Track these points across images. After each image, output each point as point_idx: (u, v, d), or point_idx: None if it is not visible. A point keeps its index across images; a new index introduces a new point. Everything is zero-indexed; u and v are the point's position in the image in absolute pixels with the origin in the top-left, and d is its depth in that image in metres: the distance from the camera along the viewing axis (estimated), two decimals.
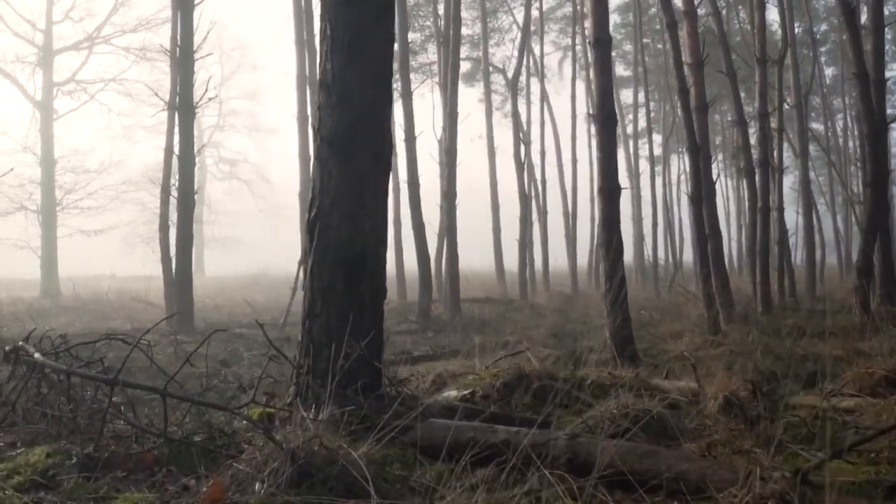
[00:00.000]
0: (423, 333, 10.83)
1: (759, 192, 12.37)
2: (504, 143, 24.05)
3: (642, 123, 27.10)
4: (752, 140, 15.98)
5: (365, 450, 2.42)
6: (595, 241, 22.99)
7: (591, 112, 7.21)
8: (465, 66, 24.06)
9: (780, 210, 14.26)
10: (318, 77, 3.31)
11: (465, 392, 3.51)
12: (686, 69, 10.05)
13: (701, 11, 25.45)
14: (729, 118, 29.99)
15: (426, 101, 23.68)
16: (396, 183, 16.83)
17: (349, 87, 3.22)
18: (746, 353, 7.00)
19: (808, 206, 17.43)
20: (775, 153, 14.54)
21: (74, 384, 3.05)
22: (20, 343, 3.14)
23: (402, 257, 16.58)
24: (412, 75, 23.10)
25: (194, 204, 10.54)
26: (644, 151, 26.46)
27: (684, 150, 29.54)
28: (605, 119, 6.94)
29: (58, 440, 2.87)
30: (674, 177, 27.73)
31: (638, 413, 3.27)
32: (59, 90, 18.71)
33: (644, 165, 24.82)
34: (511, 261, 20.98)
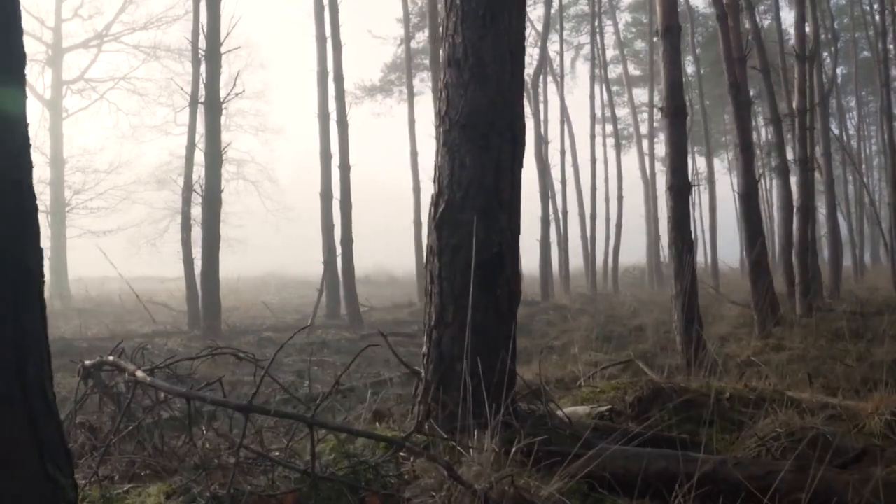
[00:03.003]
0: None
1: (798, 190, 12.08)
2: None
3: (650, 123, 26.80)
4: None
5: (557, 486, 2.02)
6: (609, 243, 22.66)
7: (659, 105, 6.83)
8: None
9: (814, 210, 13.97)
10: (444, 52, 2.91)
11: (603, 408, 3.12)
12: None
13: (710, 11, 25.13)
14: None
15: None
16: (417, 182, 16.44)
17: (484, 63, 2.82)
18: (821, 358, 6.64)
19: (833, 206, 17.14)
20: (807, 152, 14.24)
21: (173, 405, 2.64)
22: (109, 358, 2.72)
23: (422, 258, 16.17)
24: (424, 73, 22.79)
25: (221, 203, 10.11)
26: (657, 151, 26.16)
27: (695, 150, 29.29)
28: (675, 112, 6.58)
29: (163, 474, 2.46)
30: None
31: (806, 433, 2.90)
32: (69, 89, 18.23)
33: (655, 165, 24.54)
34: (525, 261, 20.61)
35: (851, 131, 28.79)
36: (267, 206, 26.53)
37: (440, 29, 2.94)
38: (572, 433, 2.69)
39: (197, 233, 12.08)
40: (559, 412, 2.83)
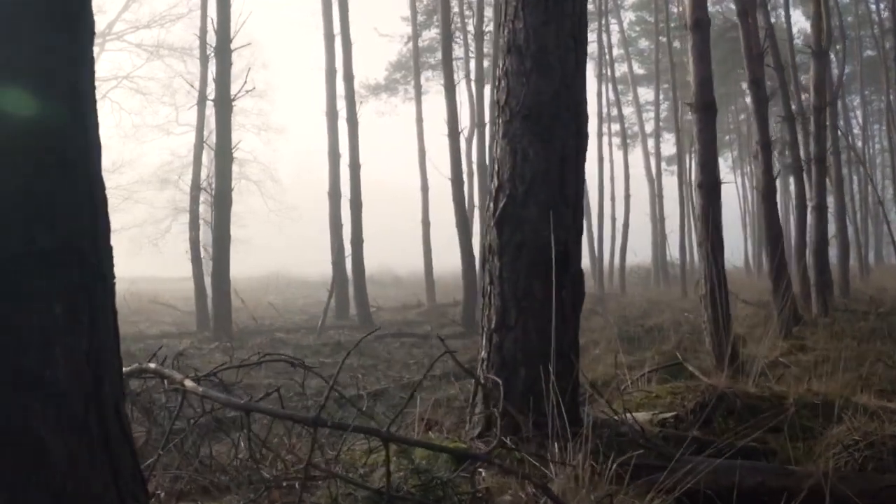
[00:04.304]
0: (472, 337, 10.21)
1: (815, 189, 11.99)
2: None
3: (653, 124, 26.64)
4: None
5: None
6: (616, 243, 22.51)
7: (687, 101, 6.68)
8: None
9: (826, 209, 13.84)
10: (503, 39, 2.74)
11: (668, 415, 2.95)
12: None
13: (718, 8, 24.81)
14: (743, 116, 29.70)
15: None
16: (426, 181, 16.26)
17: (547, 50, 2.65)
18: (855, 359, 6.49)
19: (842, 205, 17.04)
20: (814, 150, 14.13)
21: (221, 416, 2.46)
22: (151, 365, 2.54)
23: (430, 258, 16.00)
24: (430, 72, 22.63)
25: (231, 202, 9.92)
26: (663, 150, 26.01)
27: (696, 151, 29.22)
28: (705, 108, 6.42)
29: (212, 491, 2.28)
30: (692, 176, 27.27)
31: (886, 441, 2.74)
32: None
33: (661, 165, 24.40)
34: None
35: (856, 130, 28.68)
36: (269, 205, 26.32)
37: (500, 14, 2.77)
38: (646, 443, 2.52)
39: (204, 232, 11.89)
40: (629, 419, 2.66)
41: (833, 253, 17.44)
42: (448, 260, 19.70)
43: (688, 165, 24.37)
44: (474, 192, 15.36)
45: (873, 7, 24.24)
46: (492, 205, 2.73)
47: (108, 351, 1.22)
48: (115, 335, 1.27)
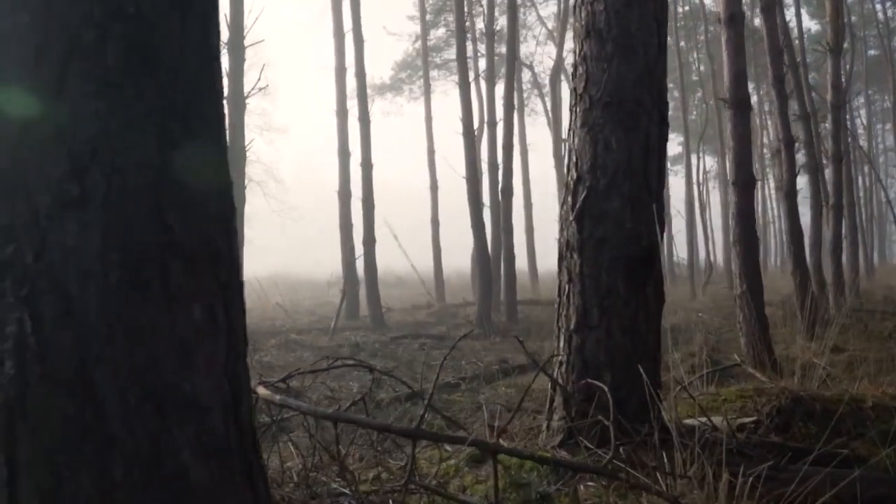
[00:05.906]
0: (489, 339, 10.04)
1: (832, 188, 11.90)
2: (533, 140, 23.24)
3: None
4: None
5: None
6: None
7: (721, 97, 6.55)
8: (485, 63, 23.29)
9: (842, 208, 13.74)
10: (579, 22, 2.58)
11: (747, 420, 2.80)
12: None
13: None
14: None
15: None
16: (434, 180, 16.10)
17: (629, 34, 2.50)
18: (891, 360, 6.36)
19: (852, 204, 16.93)
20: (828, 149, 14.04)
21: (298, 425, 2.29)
22: None
23: (440, 257, 15.83)
24: (435, 72, 22.46)
25: (245, 202, 9.73)
26: (668, 150, 25.94)
27: (703, 150, 29.10)
28: (739, 104, 6.29)
29: None
30: (699, 175, 27.17)
31: None
32: None
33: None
34: (542, 262, 20.27)
35: (860, 130, 28.66)
36: (272, 206, 26.14)
37: None
38: (739, 449, 2.37)
39: None
40: (721, 424, 2.51)
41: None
42: (451, 260, 19.48)
43: (695, 164, 24.27)
44: (485, 191, 15.22)
45: (878, 7, 24.16)
46: (570, 198, 2.57)
47: (243, 359, 1.06)
48: (245, 341, 1.10)
